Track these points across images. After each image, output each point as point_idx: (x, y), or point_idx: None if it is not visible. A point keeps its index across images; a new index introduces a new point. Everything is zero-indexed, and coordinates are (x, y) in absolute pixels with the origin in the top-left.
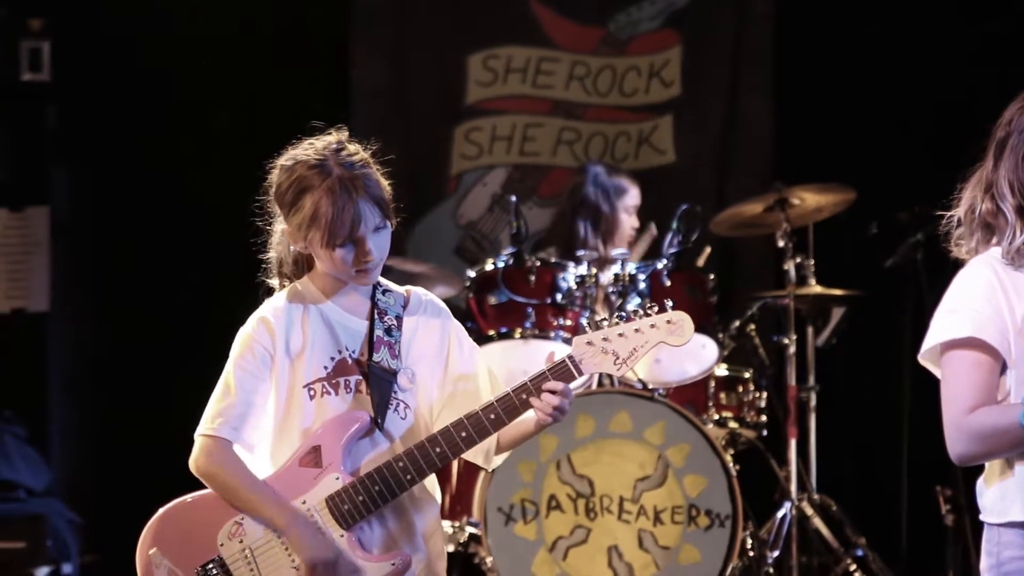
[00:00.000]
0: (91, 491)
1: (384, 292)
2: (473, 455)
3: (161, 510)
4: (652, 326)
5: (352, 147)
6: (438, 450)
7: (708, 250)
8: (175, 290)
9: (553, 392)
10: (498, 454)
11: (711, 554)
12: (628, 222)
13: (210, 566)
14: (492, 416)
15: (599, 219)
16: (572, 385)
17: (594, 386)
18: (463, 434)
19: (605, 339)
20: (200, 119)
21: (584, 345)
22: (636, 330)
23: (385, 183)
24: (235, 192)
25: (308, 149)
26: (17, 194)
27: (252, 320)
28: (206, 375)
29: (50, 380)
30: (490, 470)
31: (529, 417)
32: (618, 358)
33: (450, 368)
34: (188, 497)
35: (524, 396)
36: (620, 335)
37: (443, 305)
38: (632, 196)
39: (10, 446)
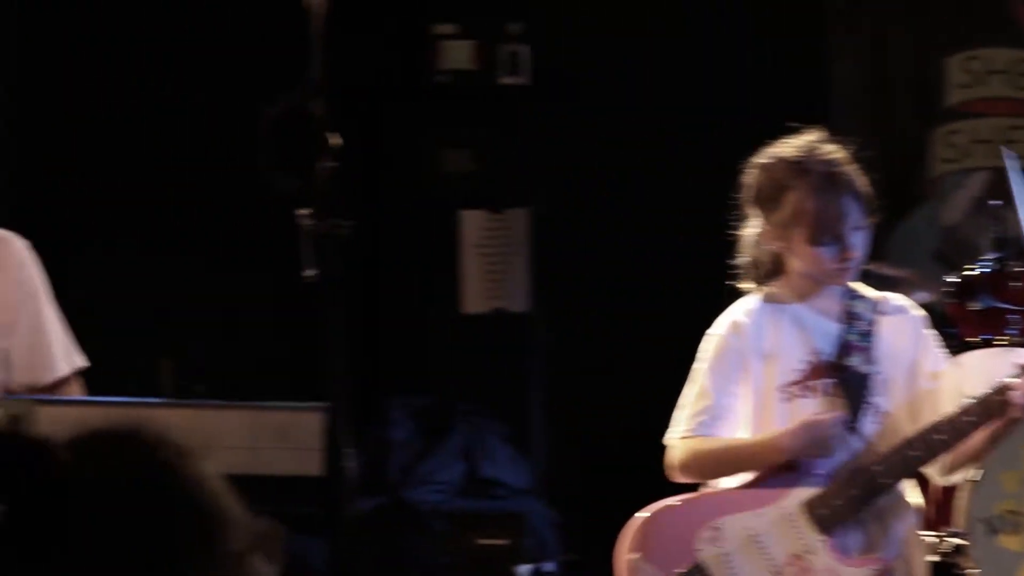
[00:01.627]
0: (570, 491)
1: (856, 296)
2: (931, 465)
3: (642, 514)
4: None
5: (830, 145)
6: (915, 453)
7: None
8: (655, 291)
9: None
10: (953, 471)
11: None
12: None
13: (690, 571)
14: (969, 419)
15: None
16: None
17: None
18: (940, 437)
19: None
20: (677, 119)
21: None
22: None
23: (864, 180)
24: (705, 190)
25: (786, 147)
26: (496, 196)
27: (723, 322)
28: (684, 378)
29: (530, 379)
30: (947, 484)
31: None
32: None
33: (919, 375)
34: (668, 501)
35: (1000, 399)
36: None
37: (918, 311)
38: None
39: (492, 444)
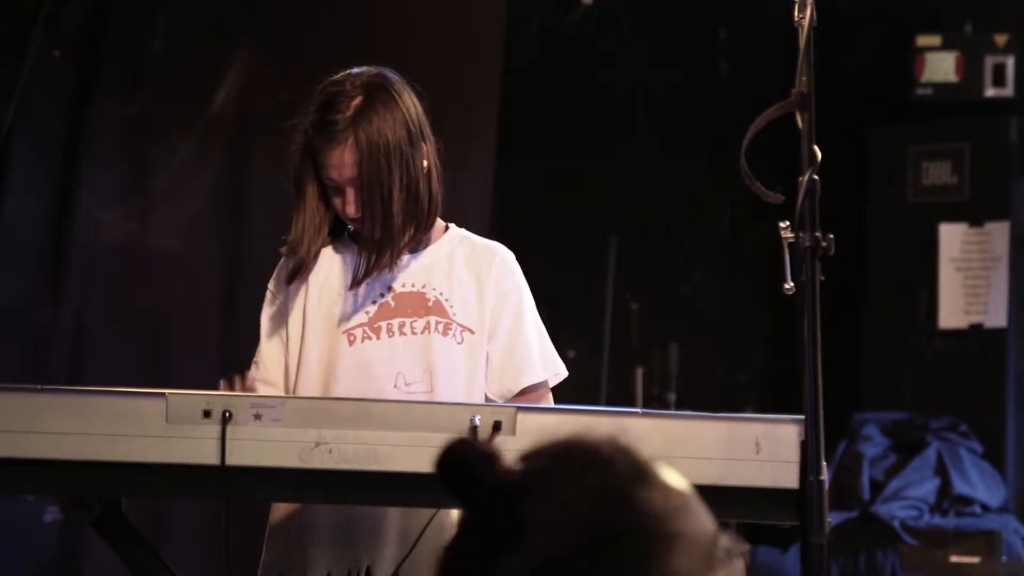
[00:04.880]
0: None
1: None
2: None
3: None
4: None
5: None
6: None
7: None
8: None
9: None
10: None
11: None
12: None
13: None
14: None
15: None
16: None
17: None
18: None
19: None
20: None
21: None
22: None
23: None
24: None
25: None
26: (977, 209)
27: None
28: None
29: (1007, 395)
30: None
31: None
32: None
33: None
34: None
35: None
36: None
37: None
38: None
39: (966, 460)
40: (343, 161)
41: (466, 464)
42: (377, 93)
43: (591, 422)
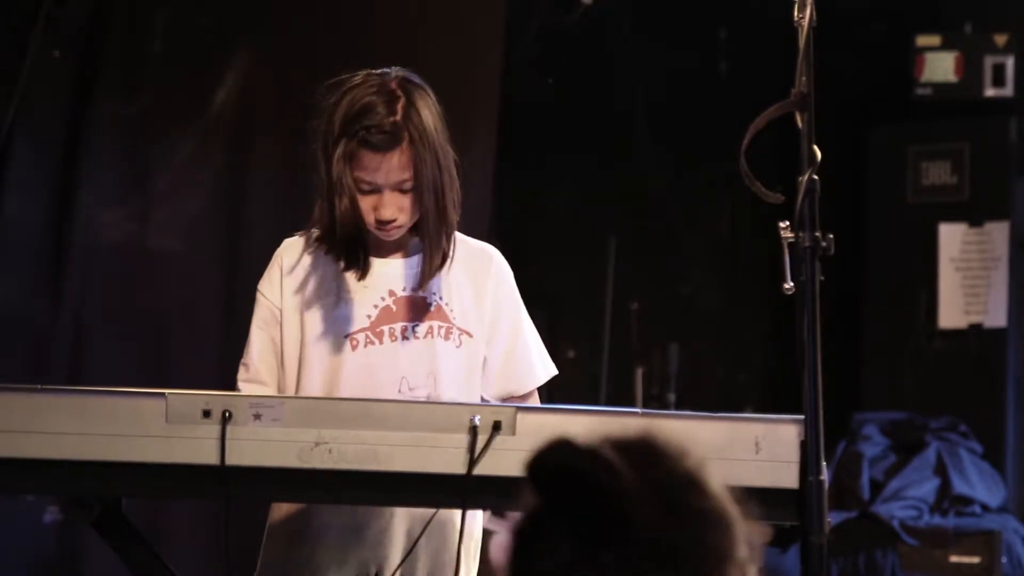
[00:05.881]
0: None
1: None
2: None
3: None
4: None
5: None
6: None
7: None
8: None
9: None
10: None
11: None
12: None
13: None
14: None
15: None
16: None
17: None
18: None
19: None
20: None
21: None
22: None
23: None
24: None
25: None
26: (977, 209)
27: None
28: None
29: (1007, 395)
30: None
31: None
32: None
33: None
34: None
35: None
36: None
37: None
38: None
39: (965, 461)
40: (394, 164)
41: (575, 468)
42: (416, 93)
43: (591, 422)
